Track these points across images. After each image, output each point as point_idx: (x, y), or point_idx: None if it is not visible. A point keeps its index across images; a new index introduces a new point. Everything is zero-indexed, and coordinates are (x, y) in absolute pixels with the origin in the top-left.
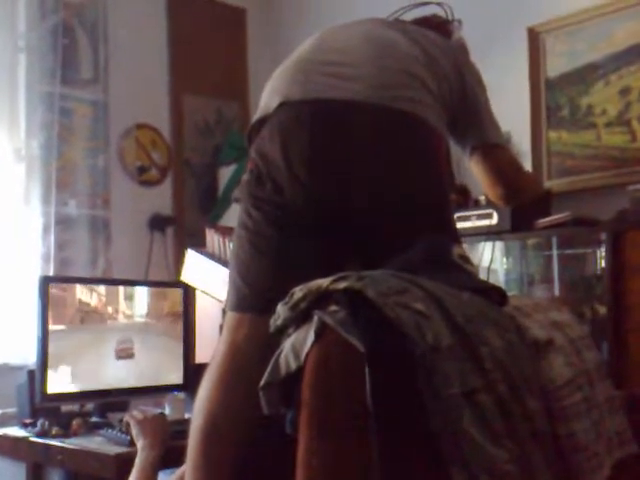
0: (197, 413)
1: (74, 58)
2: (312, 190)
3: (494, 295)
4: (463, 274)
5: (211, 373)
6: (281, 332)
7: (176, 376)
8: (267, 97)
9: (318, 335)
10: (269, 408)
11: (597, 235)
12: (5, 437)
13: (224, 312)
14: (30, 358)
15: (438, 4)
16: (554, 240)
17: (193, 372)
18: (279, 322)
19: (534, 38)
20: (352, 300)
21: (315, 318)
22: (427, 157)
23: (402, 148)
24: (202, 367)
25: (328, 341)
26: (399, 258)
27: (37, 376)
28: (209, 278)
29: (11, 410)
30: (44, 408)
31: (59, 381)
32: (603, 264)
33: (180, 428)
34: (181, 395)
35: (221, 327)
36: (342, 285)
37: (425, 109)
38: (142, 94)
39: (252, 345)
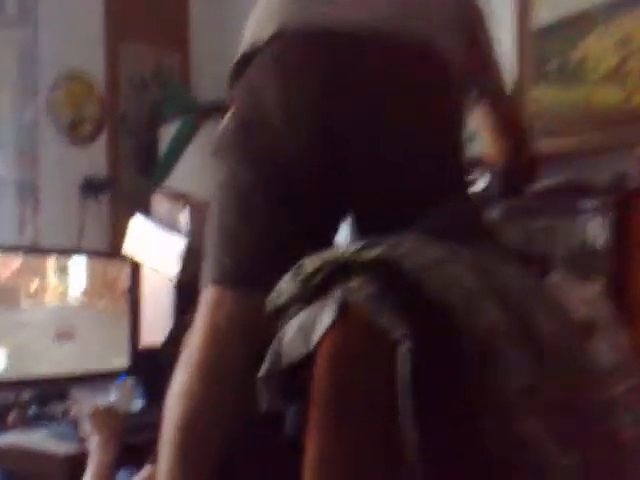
0: (172, 408)
1: None
2: (319, 141)
3: (538, 263)
4: (499, 242)
5: (188, 361)
6: (280, 312)
7: (121, 360)
8: (255, 26)
9: (339, 315)
10: (268, 403)
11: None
12: None
13: (178, 288)
14: None
15: None
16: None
17: (141, 356)
18: (282, 299)
19: None
20: (385, 273)
21: (336, 294)
22: (449, 108)
23: (422, 98)
24: (151, 351)
25: (351, 323)
26: (420, 223)
27: None
28: (157, 251)
29: None
30: None
31: None
32: (598, 234)
33: (135, 421)
34: (129, 381)
35: (173, 305)
36: (372, 253)
37: (443, 40)
38: (75, 40)
39: (236, 327)
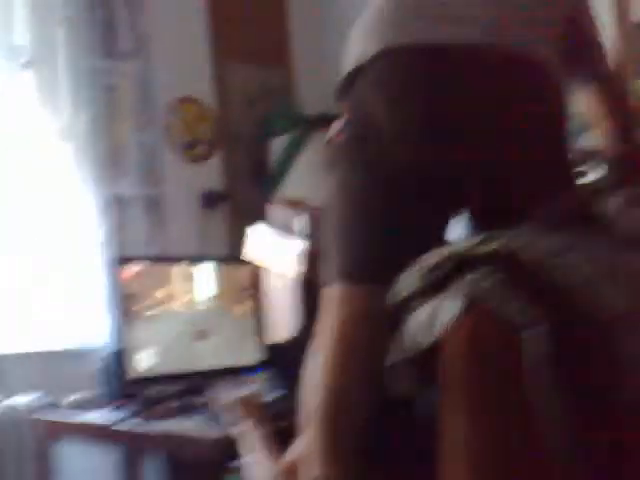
0: (312, 396)
1: (114, 31)
2: (425, 148)
3: None
4: (609, 231)
5: (322, 357)
6: (403, 305)
7: (250, 356)
8: (360, 43)
9: (464, 308)
10: (396, 389)
11: None
12: (91, 424)
13: (306, 285)
14: (99, 342)
15: None
16: None
17: (272, 351)
18: (405, 292)
19: None
20: (505, 265)
21: (458, 287)
22: (551, 110)
23: (525, 103)
24: (280, 346)
25: (476, 315)
26: (534, 217)
27: (117, 360)
28: (276, 255)
29: (87, 395)
30: (124, 394)
31: (138, 364)
32: None
33: (277, 409)
34: (262, 375)
35: (302, 302)
36: (490, 247)
37: (545, 50)
38: (184, 66)
39: (363, 320)
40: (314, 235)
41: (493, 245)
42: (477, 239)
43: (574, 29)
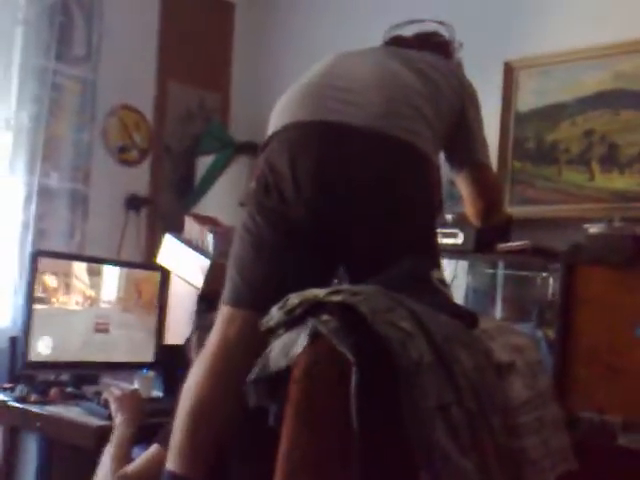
0: (186, 397)
1: (69, 36)
2: (314, 205)
3: (466, 318)
4: (440, 296)
5: (202, 361)
6: (271, 332)
7: (146, 355)
8: (277, 116)
9: (310, 340)
10: (255, 401)
11: (552, 265)
12: None
13: (200, 299)
14: (1, 323)
15: (440, 23)
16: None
17: (164, 352)
18: (271, 323)
19: (509, 73)
20: (345, 313)
21: (309, 324)
22: (423, 185)
23: (398, 174)
24: (173, 348)
25: (319, 347)
26: (384, 275)
27: (20, 343)
28: (185, 264)
29: None
30: (23, 375)
31: (39, 349)
32: (554, 290)
33: (153, 406)
34: (150, 373)
35: (195, 312)
36: (337, 298)
37: (422, 140)
38: (130, 76)
39: (242, 339)
40: (221, 252)
41: (341, 296)
42: (330, 289)
43: (460, 120)
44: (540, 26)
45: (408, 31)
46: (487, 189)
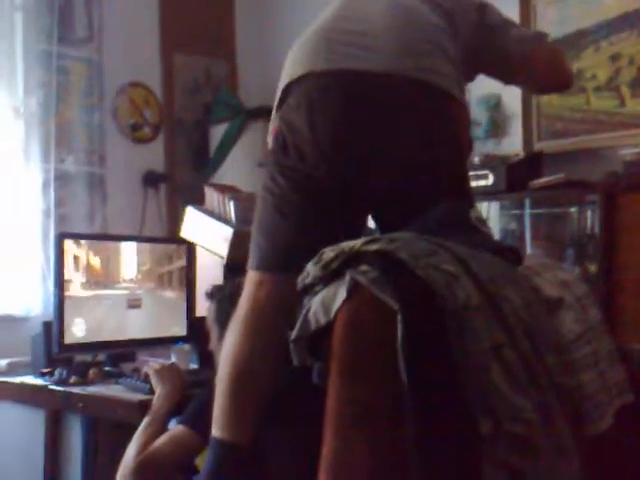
0: (224, 362)
1: (70, 18)
2: (335, 160)
3: (509, 255)
4: (481, 236)
5: (236, 326)
6: (307, 290)
7: (179, 328)
8: (290, 66)
9: (350, 293)
10: (299, 360)
11: (589, 197)
12: (24, 385)
13: (227, 268)
14: (33, 310)
15: None
16: (534, 203)
17: (196, 325)
18: (308, 280)
19: (525, 5)
20: (384, 261)
21: (347, 277)
22: (449, 127)
23: (425, 119)
24: (203, 320)
25: (360, 299)
26: (419, 221)
27: (55, 328)
28: (209, 235)
29: (22, 359)
30: (60, 359)
31: (73, 332)
32: (593, 224)
33: (191, 378)
34: (186, 346)
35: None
36: (374, 247)
37: (447, 79)
38: (135, 53)
39: (274, 301)
40: (243, 219)
41: (378, 245)
42: (366, 239)
43: (485, 32)
44: None
45: None
46: (549, 70)
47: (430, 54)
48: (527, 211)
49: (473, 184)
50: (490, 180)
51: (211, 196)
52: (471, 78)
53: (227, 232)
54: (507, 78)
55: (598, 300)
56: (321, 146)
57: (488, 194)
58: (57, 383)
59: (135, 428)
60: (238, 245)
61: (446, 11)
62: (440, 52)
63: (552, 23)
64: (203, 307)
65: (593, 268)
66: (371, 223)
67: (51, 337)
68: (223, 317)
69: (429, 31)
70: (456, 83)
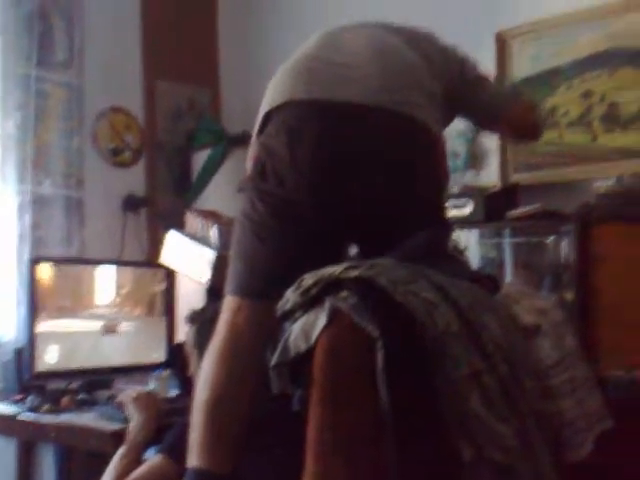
0: (201, 388)
1: (50, 42)
2: (315, 186)
3: (487, 283)
4: (459, 264)
5: (213, 353)
6: (287, 316)
7: (158, 355)
8: (272, 93)
9: (330, 319)
10: (279, 387)
11: (564, 227)
12: None
13: (209, 293)
14: (6, 335)
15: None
16: (511, 232)
17: (176, 351)
18: (288, 306)
19: (502, 42)
20: (364, 287)
21: (327, 303)
22: (425, 157)
23: (402, 148)
24: (183, 346)
25: (340, 325)
26: (399, 248)
27: (26, 354)
28: (191, 259)
29: None
30: (33, 386)
31: (46, 358)
32: (568, 253)
33: (170, 406)
34: (165, 373)
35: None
36: (354, 273)
37: (424, 112)
38: (116, 78)
39: (252, 327)
40: (226, 244)
41: (357, 271)
42: (345, 265)
43: (462, 82)
44: None
45: None
46: (520, 125)
47: (409, 88)
48: (506, 240)
49: (453, 213)
50: (469, 209)
51: (194, 221)
52: (448, 121)
53: (210, 255)
54: (482, 127)
55: (574, 327)
56: (300, 171)
57: (467, 223)
58: (29, 411)
59: (110, 458)
60: (221, 269)
61: (426, 55)
62: (419, 87)
63: (527, 60)
64: (184, 333)
65: (569, 296)
66: (352, 249)
67: (22, 364)
68: (202, 342)
69: (409, 67)
70: (434, 118)
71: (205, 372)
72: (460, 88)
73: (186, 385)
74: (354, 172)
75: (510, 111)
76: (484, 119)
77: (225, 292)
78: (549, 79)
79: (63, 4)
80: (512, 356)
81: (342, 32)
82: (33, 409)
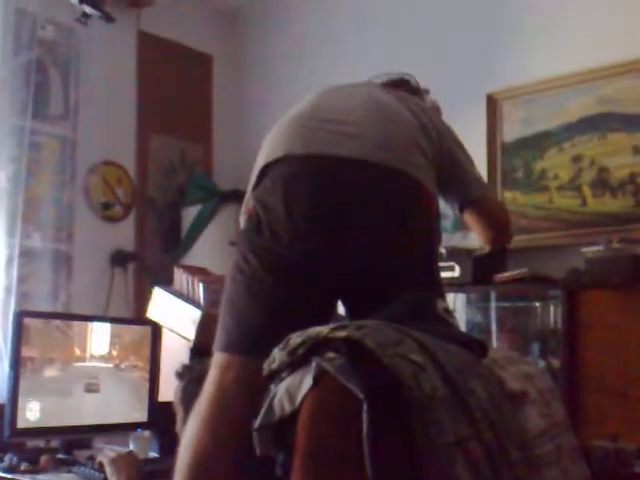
0: (184, 450)
1: (46, 94)
2: (310, 242)
3: (475, 347)
4: (447, 326)
5: (199, 412)
6: (273, 376)
7: (140, 414)
8: (268, 148)
9: (316, 381)
10: (262, 449)
11: (552, 292)
12: None
13: (193, 352)
14: None
15: (404, 76)
16: (499, 296)
17: (158, 410)
18: (274, 366)
19: (493, 104)
20: (351, 349)
21: (314, 364)
22: (420, 214)
23: (397, 204)
24: (167, 405)
25: (326, 387)
26: (387, 309)
27: (7, 411)
28: (177, 317)
29: None
30: (11, 443)
31: (27, 415)
32: (555, 319)
33: (150, 467)
34: (145, 433)
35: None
36: (342, 334)
37: (420, 171)
38: (110, 132)
39: (240, 386)
40: (212, 302)
41: (345, 332)
42: (333, 326)
43: (449, 161)
44: (520, 57)
45: (378, 80)
46: (492, 220)
47: (406, 146)
48: (493, 304)
49: (441, 275)
50: (456, 272)
51: (180, 277)
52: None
53: (195, 314)
54: (455, 207)
55: (561, 395)
56: (296, 224)
57: (454, 285)
58: (6, 470)
59: None
60: (206, 328)
61: (421, 122)
62: (415, 146)
63: (517, 123)
64: (167, 391)
65: (556, 363)
66: (340, 309)
67: (3, 421)
68: (188, 399)
69: (405, 126)
70: (429, 177)
71: (189, 434)
72: (447, 165)
73: (167, 447)
74: (348, 223)
75: (488, 201)
76: (462, 198)
77: (214, 349)
78: (539, 142)
79: (60, 57)
80: (499, 424)
81: (337, 90)
82: (11, 469)
